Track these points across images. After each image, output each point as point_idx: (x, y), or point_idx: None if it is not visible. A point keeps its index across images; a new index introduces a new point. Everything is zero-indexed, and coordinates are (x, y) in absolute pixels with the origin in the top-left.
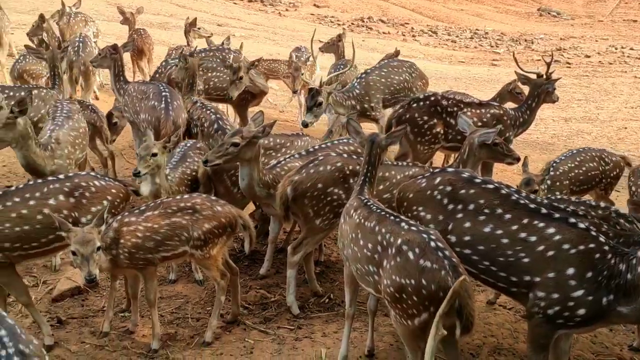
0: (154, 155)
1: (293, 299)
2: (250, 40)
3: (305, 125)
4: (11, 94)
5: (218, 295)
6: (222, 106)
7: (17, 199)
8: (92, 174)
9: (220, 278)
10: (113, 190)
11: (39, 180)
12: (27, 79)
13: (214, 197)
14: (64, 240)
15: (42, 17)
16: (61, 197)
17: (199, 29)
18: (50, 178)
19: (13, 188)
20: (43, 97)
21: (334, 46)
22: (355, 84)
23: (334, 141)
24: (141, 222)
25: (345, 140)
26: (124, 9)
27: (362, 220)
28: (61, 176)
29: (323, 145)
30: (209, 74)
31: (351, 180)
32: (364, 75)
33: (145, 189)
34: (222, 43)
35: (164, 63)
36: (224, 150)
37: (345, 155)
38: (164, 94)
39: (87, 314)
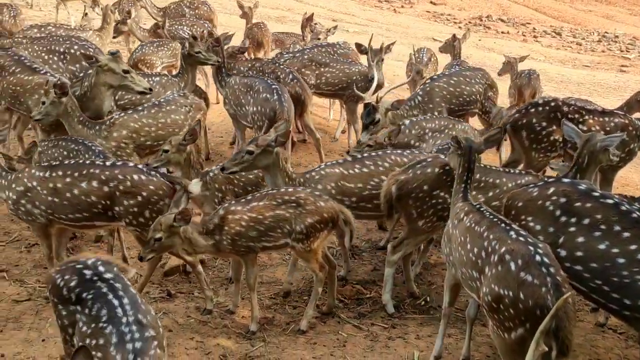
0: (165, 151)
1: (389, 298)
2: (363, 36)
3: (361, 145)
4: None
5: (315, 287)
6: (323, 102)
7: (60, 172)
8: (139, 166)
9: (319, 270)
10: (151, 187)
11: (87, 162)
12: (142, 67)
13: (317, 192)
14: (91, 220)
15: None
16: (94, 184)
17: (315, 24)
18: (97, 162)
19: (66, 161)
20: (164, 84)
21: (450, 46)
22: (419, 92)
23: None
24: (246, 212)
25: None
26: (243, 3)
27: (473, 225)
28: (108, 163)
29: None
30: (322, 69)
31: None
32: (429, 82)
33: (194, 187)
34: (327, 33)
35: (279, 55)
36: (240, 158)
37: None
38: (273, 86)
39: (193, 290)
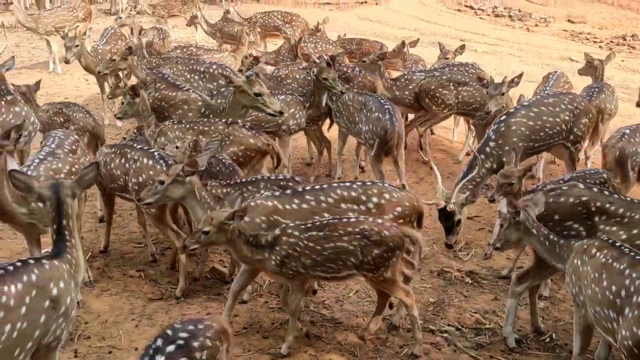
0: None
1: (510, 330)
2: (492, 56)
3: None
4: None
5: (411, 312)
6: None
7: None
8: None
9: (406, 297)
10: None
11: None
12: None
13: (380, 220)
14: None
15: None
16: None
17: (443, 47)
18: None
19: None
20: (288, 103)
21: (591, 68)
22: (490, 134)
23: (585, 171)
24: (303, 240)
25: (595, 171)
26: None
27: (610, 261)
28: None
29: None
30: (460, 89)
31: (596, 219)
32: (504, 118)
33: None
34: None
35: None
36: (154, 188)
37: (595, 189)
38: (386, 106)
39: (308, 304)
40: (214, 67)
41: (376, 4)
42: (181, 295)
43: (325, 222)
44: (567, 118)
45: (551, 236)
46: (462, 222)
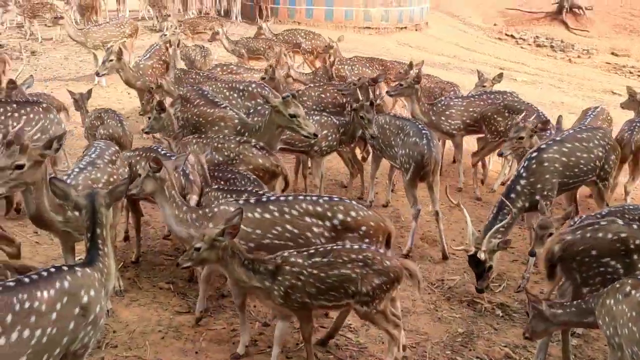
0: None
1: None
2: (532, 86)
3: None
4: None
5: (391, 347)
6: None
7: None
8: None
9: (393, 329)
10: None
11: None
12: None
13: (382, 250)
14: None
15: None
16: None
17: (481, 74)
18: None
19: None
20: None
21: (634, 102)
22: (521, 171)
23: (625, 206)
24: (307, 267)
25: (634, 207)
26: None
27: None
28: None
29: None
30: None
31: (635, 257)
32: (535, 155)
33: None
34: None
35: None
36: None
37: (634, 226)
38: (424, 131)
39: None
40: (253, 85)
41: (416, 30)
42: (199, 316)
43: (329, 248)
44: (600, 154)
45: (573, 308)
46: (494, 267)
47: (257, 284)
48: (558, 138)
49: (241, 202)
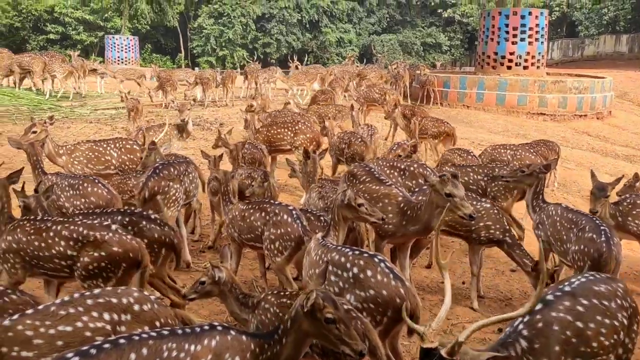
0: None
1: None
2: None
3: None
4: None
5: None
6: None
7: None
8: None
9: None
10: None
11: None
12: None
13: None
14: None
15: None
16: None
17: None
18: None
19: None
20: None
21: None
22: (521, 328)
23: None
24: (274, 306)
25: None
26: None
27: None
28: None
29: None
30: None
31: None
32: (540, 307)
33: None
34: None
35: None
36: None
37: None
38: (602, 227)
39: None
40: (415, 165)
41: (597, 118)
42: None
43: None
44: (625, 321)
45: None
46: None
47: (245, 316)
48: (569, 289)
49: None
